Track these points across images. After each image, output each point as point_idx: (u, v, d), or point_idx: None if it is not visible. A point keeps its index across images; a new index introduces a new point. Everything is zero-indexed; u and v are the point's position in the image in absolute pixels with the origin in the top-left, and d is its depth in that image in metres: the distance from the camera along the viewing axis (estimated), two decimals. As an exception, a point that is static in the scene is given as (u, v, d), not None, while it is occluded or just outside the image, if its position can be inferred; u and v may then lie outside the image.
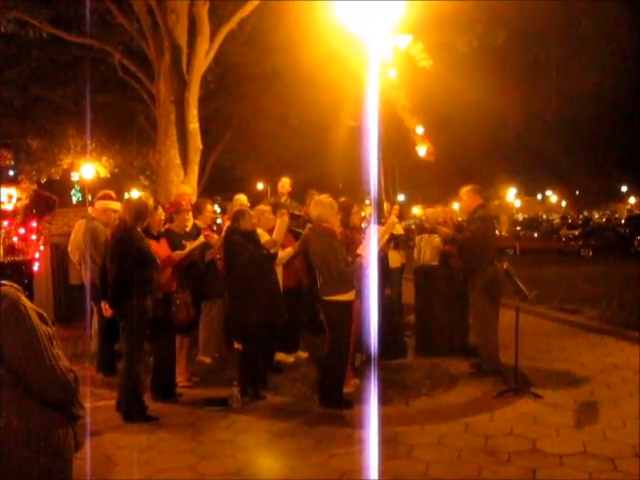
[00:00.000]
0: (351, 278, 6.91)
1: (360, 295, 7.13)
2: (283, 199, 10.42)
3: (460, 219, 10.68)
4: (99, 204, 8.65)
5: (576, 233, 36.35)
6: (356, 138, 11.17)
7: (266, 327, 7.40)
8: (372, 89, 6.99)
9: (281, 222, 7.84)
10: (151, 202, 7.33)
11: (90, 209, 9.15)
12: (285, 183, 10.72)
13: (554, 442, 5.89)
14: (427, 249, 9.45)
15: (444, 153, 15.62)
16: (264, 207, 8.39)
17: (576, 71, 26.41)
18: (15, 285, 2.64)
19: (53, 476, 2.68)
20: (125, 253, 6.55)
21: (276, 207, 9.01)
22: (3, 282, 2.62)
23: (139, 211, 6.71)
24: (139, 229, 6.71)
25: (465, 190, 8.53)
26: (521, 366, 7.51)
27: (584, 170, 41.64)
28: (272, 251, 7.58)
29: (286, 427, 6.44)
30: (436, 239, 9.37)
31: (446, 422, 6.50)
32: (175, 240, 7.59)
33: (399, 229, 9.25)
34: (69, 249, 8.93)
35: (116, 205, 8.42)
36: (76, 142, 21.66)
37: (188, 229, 8.35)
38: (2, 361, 2.54)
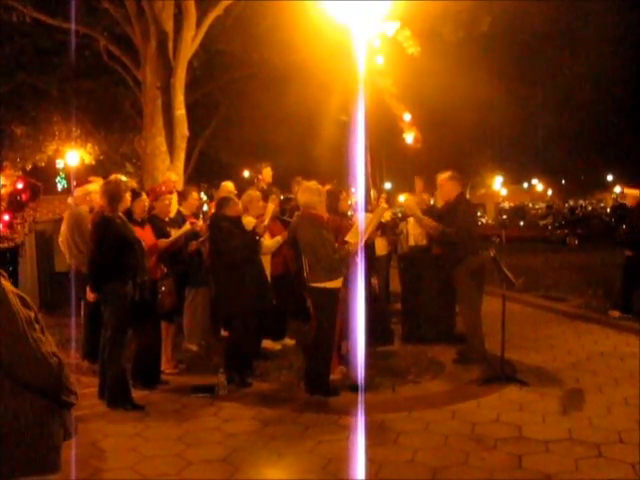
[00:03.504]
0: (339, 265, 6.89)
1: (347, 282, 7.12)
2: (265, 186, 10.35)
3: (432, 202, 10.62)
4: (78, 191, 8.61)
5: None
6: (345, 128, 11.12)
7: (254, 314, 7.38)
8: (361, 77, 6.97)
9: (269, 208, 7.86)
10: (130, 184, 7.20)
11: (70, 199, 9.03)
12: (270, 171, 10.66)
13: (540, 429, 5.92)
14: (415, 230, 9.44)
15: (431, 141, 15.60)
16: (253, 192, 8.34)
17: (564, 61, 26.45)
18: None
19: (38, 464, 2.65)
20: (102, 238, 6.56)
21: (266, 193, 8.99)
22: None
23: (112, 193, 6.64)
24: (120, 214, 6.67)
25: (445, 177, 8.29)
26: (507, 354, 7.54)
27: (570, 159, 41.76)
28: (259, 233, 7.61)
29: (273, 414, 6.44)
30: None
31: (433, 409, 6.52)
32: (160, 227, 7.56)
33: (387, 216, 9.25)
34: (60, 240, 8.79)
35: (94, 187, 8.36)
36: (61, 129, 21.40)
37: (172, 215, 8.30)
38: None
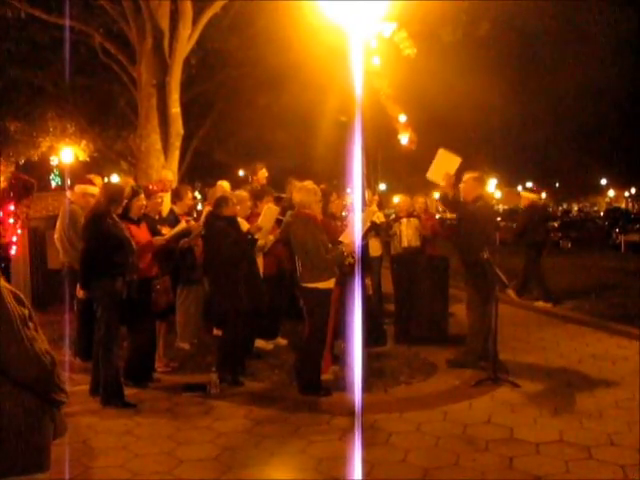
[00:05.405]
0: (332, 266, 6.89)
1: (341, 282, 7.11)
2: (259, 187, 10.31)
3: (441, 209, 10.66)
4: (78, 188, 8.56)
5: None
6: (342, 129, 11.10)
7: (247, 313, 7.38)
8: (357, 77, 6.95)
9: (267, 209, 7.83)
10: (129, 188, 7.22)
11: (69, 193, 8.99)
12: (265, 173, 10.65)
13: (531, 430, 5.93)
14: (408, 231, 9.47)
15: (426, 142, 15.63)
16: (242, 193, 8.31)
17: (562, 65, 26.52)
18: None
19: (28, 463, 2.64)
20: (93, 235, 6.61)
21: (260, 193, 8.96)
22: None
23: (114, 195, 6.73)
24: (113, 213, 6.68)
25: (469, 177, 8.22)
26: (499, 355, 7.55)
27: (564, 163, 41.96)
28: (256, 237, 7.58)
29: (265, 413, 6.43)
30: (415, 222, 9.49)
31: (425, 410, 6.53)
32: (151, 225, 7.54)
33: (381, 217, 9.27)
34: (55, 237, 8.73)
35: (95, 190, 8.34)
36: (55, 125, 21.31)
37: (165, 214, 8.28)
38: None
